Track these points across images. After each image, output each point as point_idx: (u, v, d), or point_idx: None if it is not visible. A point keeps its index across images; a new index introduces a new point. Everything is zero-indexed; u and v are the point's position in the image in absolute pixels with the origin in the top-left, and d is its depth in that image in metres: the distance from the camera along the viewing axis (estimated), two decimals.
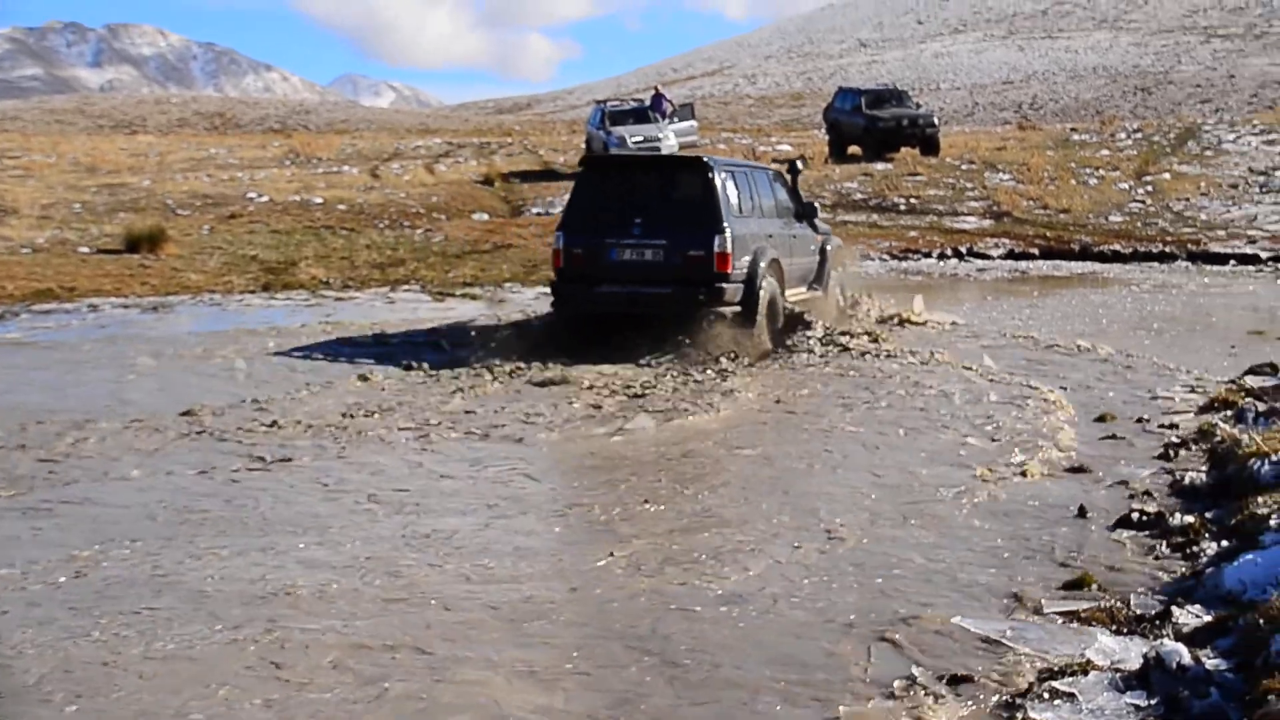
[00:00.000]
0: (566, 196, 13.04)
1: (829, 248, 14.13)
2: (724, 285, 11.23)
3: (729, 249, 11.20)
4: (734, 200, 11.69)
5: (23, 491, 6.66)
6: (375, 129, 55.51)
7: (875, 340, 11.93)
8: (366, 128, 56.97)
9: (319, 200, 25.27)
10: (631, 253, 11.42)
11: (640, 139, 30.03)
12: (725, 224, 11.24)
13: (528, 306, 15.12)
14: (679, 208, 11.49)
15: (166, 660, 4.41)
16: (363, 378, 10.15)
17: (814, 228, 13.80)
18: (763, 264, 11.68)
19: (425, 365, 10.75)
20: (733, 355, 10.93)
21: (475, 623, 4.79)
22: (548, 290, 12.41)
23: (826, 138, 35.49)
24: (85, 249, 19.14)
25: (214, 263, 18.60)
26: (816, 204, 14.52)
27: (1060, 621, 4.75)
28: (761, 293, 11.60)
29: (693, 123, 33.99)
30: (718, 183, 11.42)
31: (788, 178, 13.85)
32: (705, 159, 11.89)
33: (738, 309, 11.37)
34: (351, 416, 8.63)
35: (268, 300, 16.03)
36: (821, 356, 11.26)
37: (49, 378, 10.24)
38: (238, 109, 69.15)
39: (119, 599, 5.00)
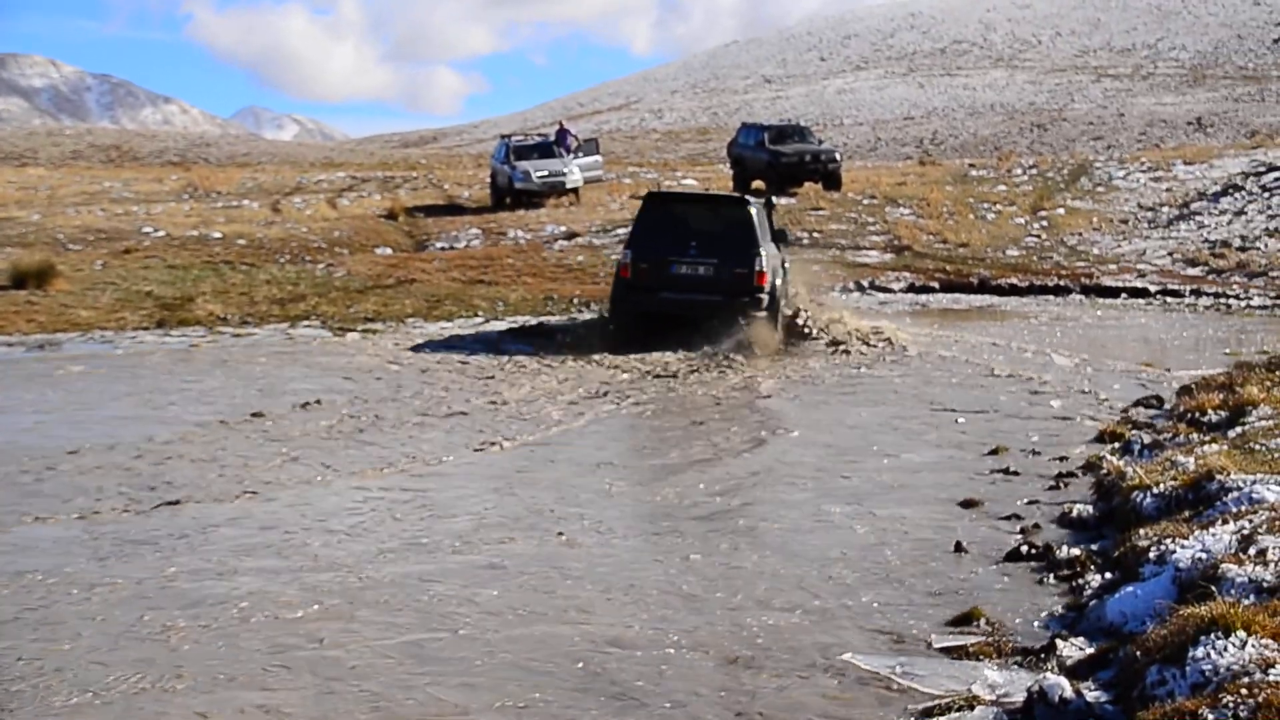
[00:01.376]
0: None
1: (787, 265, 16.51)
2: (761, 296, 14.20)
3: (765, 268, 14.24)
4: (762, 229, 14.68)
5: None
6: (277, 162, 54.78)
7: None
8: (268, 161, 56.21)
9: (218, 235, 24.82)
10: (688, 268, 14.36)
11: (545, 173, 30.04)
12: (762, 248, 14.27)
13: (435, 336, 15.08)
14: (726, 234, 14.39)
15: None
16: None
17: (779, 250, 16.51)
18: (779, 281, 14.80)
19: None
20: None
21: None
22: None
23: (731, 172, 35.83)
24: None
25: (106, 299, 18.12)
26: (788, 232, 17.26)
27: (948, 656, 4.78)
28: (781, 302, 14.65)
29: (598, 157, 34.10)
30: (754, 215, 14.51)
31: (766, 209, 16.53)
32: (745, 197, 15.25)
33: (765, 314, 14.23)
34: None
35: (162, 337, 15.66)
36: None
37: None
38: (135, 141, 67.74)
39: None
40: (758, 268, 14.17)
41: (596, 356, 13.45)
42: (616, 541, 6.55)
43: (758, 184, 33.57)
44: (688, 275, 14.34)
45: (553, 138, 34.16)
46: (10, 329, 15.60)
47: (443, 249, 24.75)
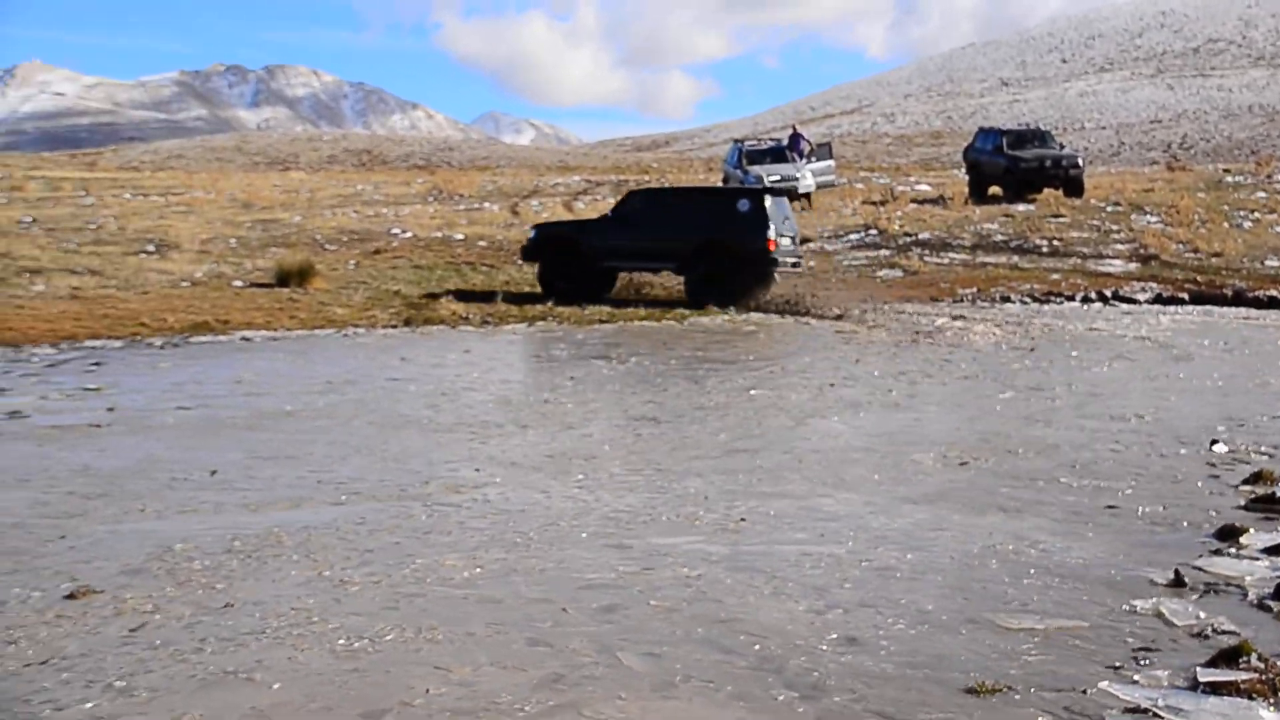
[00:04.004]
0: None
1: None
2: None
3: None
4: None
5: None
6: (515, 166, 56.61)
7: None
8: (507, 165, 58.14)
9: (460, 236, 25.85)
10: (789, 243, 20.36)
11: (777, 178, 30.02)
12: None
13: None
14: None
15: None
16: None
17: None
18: None
19: None
20: None
21: None
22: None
23: (966, 178, 34.98)
24: (239, 282, 19.89)
25: (359, 297, 19.13)
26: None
27: (1215, 693, 4.55)
28: None
29: (830, 162, 33.86)
30: None
31: None
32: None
33: None
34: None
35: (410, 334, 16.41)
36: None
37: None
38: (384, 146, 71.19)
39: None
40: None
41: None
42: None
43: (994, 190, 32.67)
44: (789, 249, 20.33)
45: (785, 142, 34.10)
46: (276, 324, 16.67)
47: None
